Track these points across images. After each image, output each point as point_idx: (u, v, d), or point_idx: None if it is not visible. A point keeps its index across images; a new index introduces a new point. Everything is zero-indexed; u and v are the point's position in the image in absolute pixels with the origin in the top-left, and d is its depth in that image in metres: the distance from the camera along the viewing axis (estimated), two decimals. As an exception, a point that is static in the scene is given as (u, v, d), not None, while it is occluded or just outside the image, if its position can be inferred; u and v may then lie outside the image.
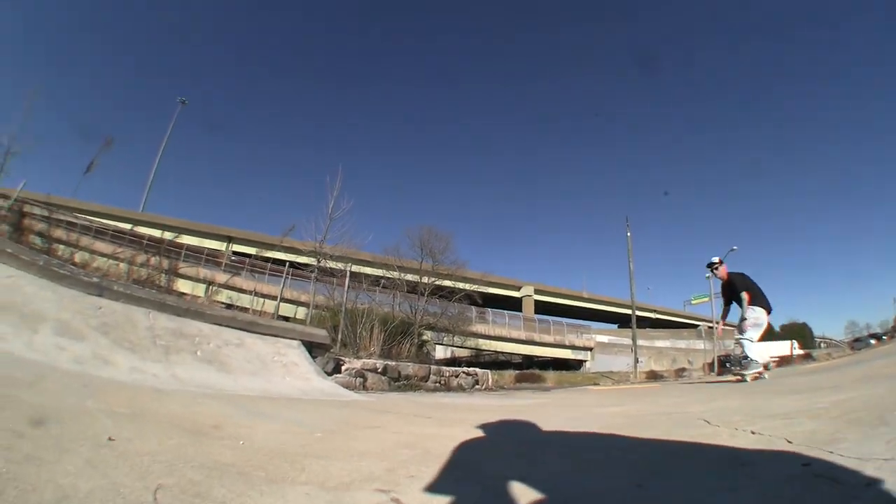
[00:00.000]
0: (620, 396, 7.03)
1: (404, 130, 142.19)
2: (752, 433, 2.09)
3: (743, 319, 7.94)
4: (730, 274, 8.51)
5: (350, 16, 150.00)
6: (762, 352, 8.07)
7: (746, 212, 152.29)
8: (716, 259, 8.75)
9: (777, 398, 3.85)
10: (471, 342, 34.55)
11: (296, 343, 5.89)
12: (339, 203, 10.67)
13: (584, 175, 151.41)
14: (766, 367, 8.15)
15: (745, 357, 7.82)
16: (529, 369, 33.48)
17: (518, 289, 56.82)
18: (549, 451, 2.27)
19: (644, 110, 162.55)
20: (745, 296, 7.93)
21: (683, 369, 30.80)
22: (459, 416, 3.58)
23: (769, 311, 7.98)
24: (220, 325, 5.13)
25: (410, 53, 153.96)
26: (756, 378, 7.52)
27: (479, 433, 2.75)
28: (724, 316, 9.00)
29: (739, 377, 7.95)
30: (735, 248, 39.89)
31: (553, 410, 4.74)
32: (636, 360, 29.12)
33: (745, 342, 7.91)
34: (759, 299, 7.95)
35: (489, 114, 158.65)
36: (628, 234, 31.84)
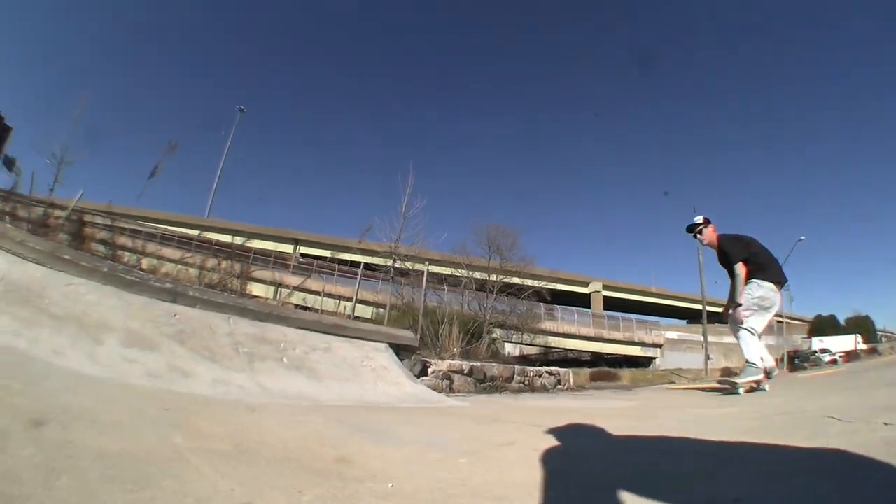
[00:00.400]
0: (714, 395, 5.93)
1: (468, 129, 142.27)
2: (885, 424, 2.06)
3: (735, 304, 5.42)
4: (721, 238, 5.85)
5: (413, 15, 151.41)
6: (763, 351, 5.35)
7: (806, 202, 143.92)
8: (699, 219, 6.01)
9: (875, 391, 3.91)
10: (539, 339, 34.01)
11: (383, 346, 5.37)
12: (412, 202, 10.23)
13: (647, 166, 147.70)
14: (767, 373, 5.40)
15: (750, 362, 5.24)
16: (599, 367, 32.50)
17: (586, 285, 55.41)
18: (730, 465, 1.88)
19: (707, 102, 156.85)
20: (740, 269, 5.40)
21: (756, 366, 29.03)
22: (576, 423, 3.08)
23: (781, 283, 5.47)
24: (304, 329, 4.66)
25: (474, 53, 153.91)
26: (751, 390, 5.20)
27: (620, 447, 2.45)
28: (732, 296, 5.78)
29: (730, 385, 5.46)
30: (803, 237, 37.78)
31: (668, 413, 4.11)
32: (707, 357, 28.30)
33: (742, 334, 5.37)
34: (766, 270, 5.43)
35: (548, 110, 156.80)
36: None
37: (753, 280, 5.36)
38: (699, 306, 60.38)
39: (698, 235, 6.01)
